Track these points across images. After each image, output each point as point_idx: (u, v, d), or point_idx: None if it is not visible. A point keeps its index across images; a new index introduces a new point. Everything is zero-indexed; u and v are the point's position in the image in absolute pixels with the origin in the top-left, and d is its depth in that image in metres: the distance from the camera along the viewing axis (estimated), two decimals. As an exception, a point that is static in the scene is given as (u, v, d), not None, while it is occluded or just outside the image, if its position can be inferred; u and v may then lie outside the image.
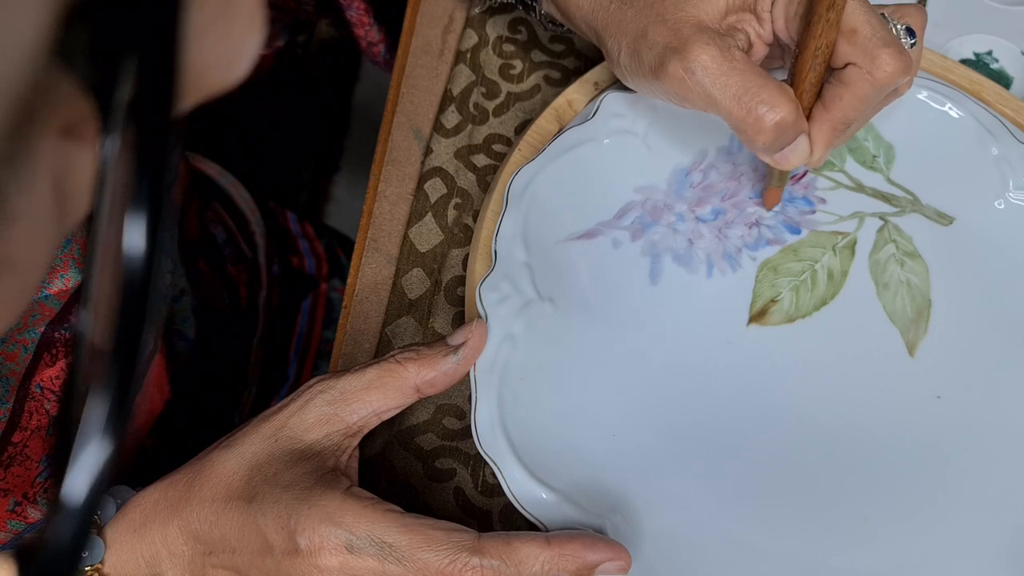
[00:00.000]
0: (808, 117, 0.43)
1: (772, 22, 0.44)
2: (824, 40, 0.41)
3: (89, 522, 0.16)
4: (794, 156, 0.43)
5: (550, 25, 0.53)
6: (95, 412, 0.16)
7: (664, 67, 0.42)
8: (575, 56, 0.58)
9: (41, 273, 0.18)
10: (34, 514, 0.47)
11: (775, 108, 0.41)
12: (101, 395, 0.16)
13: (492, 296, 0.45)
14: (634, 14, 0.44)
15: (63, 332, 0.46)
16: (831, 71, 0.43)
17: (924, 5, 0.58)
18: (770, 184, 0.49)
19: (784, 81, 0.43)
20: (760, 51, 0.45)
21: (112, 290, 0.16)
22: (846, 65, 0.42)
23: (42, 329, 0.46)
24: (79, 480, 0.16)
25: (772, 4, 0.43)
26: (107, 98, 0.16)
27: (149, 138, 0.16)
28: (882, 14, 0.43)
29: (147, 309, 0.16)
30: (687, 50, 0.41)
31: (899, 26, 0.44)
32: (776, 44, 0.45)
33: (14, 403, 0.45)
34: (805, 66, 0.42)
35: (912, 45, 0.44)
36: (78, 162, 0.18)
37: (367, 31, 0.68)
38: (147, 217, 0.16)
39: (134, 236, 0.16)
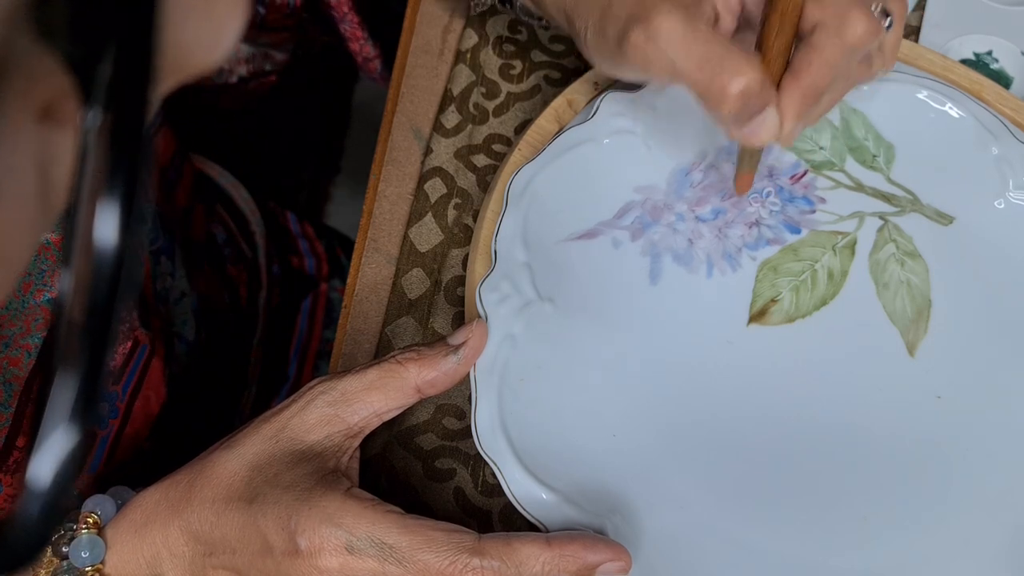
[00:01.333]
0: (778, 88, 0.42)
1: None
2: (792, 1, 0.40)
3: (57, 505, 0.16)
4: (763, 130, 0.41)
5: (526, 18, 0.53)
6: (63, 396, 0.16)
7: (627, 37, 0.41)
8: (575, 56, 0.58)
9: (26, 259, 0.18)
10: None
11: (740, 74, 0.40)
12: (70, 379, 0.16)
13: (492, 296, 0.45)
14: None
15: None
16: (799, 37, 0.42)
17: (923, 8, 0.58)
18: (740, 168, 0.48)
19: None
20: (727, 24, 0.44)
21: (85, 272, 0.16)
22: (814, 28, 0.41)
23: (44, 334, 0.46)
24: (45, 463, 0.16)
25: None
26: (88, 74, 0.16)
27: (125, 117, 0.16)
28: None
29: (118, 292, 0.16)
30: (650, 18, 0.41)
31: (874, 6, 0.43)
32: (744, 20, 0.44)
33: (16, 407, 0.45)
34: (772, 30, 0.41)
35: (888, 27, 0.43)
36: (61, 151, 0.18)
37: (361, 46, 0.68)
38: (120, 197, 0.15)
39: (107, 218, 0.15)
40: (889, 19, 0.43)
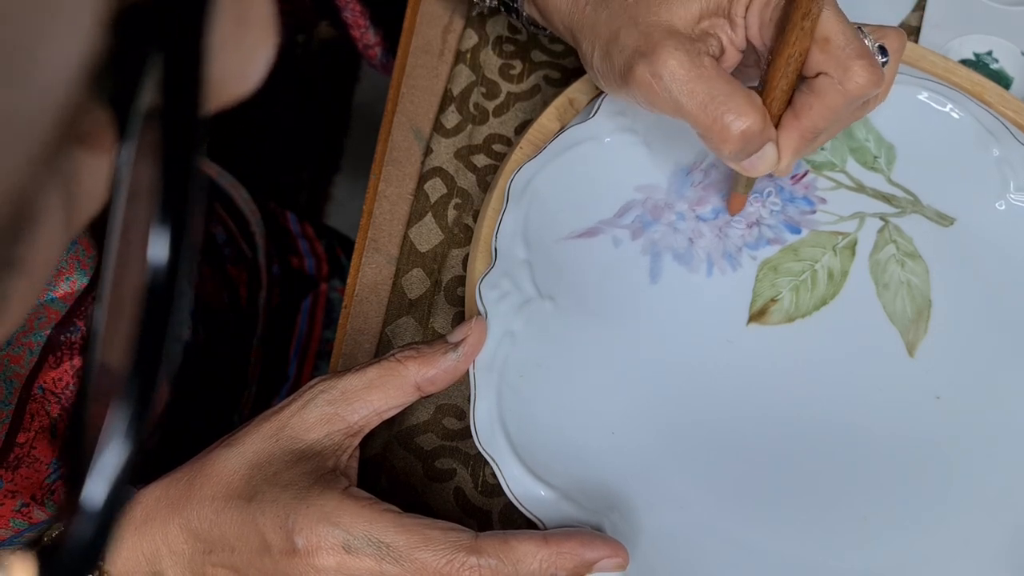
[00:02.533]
0: (778, 124, 0.43)
1: (746, 28, 0.43)
2: (797, 48, 0.41)
3: (111, 524, 0.16)
4: (761, 163, 0.43)
5: (532, 28, 0.53)
6: (117, 419, 0.16)
7: (632, 71, 0.42)
8: (575, 56, 0.57)
9: (47, 276, 0.19)
10: (40, 515, 0.47)
11: (741, 117, 0.41)
12: (123, 401, 0.16)
13: (492, 293, 0.45)
14: (608, 17, 0.44)
15: (68, 335, 0.46)
16: (803, 79, 0.42)
17: (923, 8, 0.58)
18: (736, 189, 0.49)
19: (755, 87, 0.43)
20: (733, 57, 0.44)
21: (134, 297, 0.16)
22: (818, 74, 0.42)
23: (48, 332, 0.46)
24: (99, 484, 0.16)
25: (746, 10, 0.43)
26: (125, 109, 0.16)
27: (175, 147, 0.16)
28: (860, 28, 0.43)
29: (171, 316, 0.16)
30: (655, 55, 0.41)
31: (873, 43, 0.43)
32: (751, 51, 0.45)
33: (16, 404, 0.45)
34: (777, 73, 0.42)
35: (884, 64, 0.43)
36: (85, 168, 0.18)
37: (363, 33, 0.69)
38: (171, 226, 0.16)
39: (159, 245, 0.16)
40: (886, 59, 0.43)
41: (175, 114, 0.16)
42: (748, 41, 0.44)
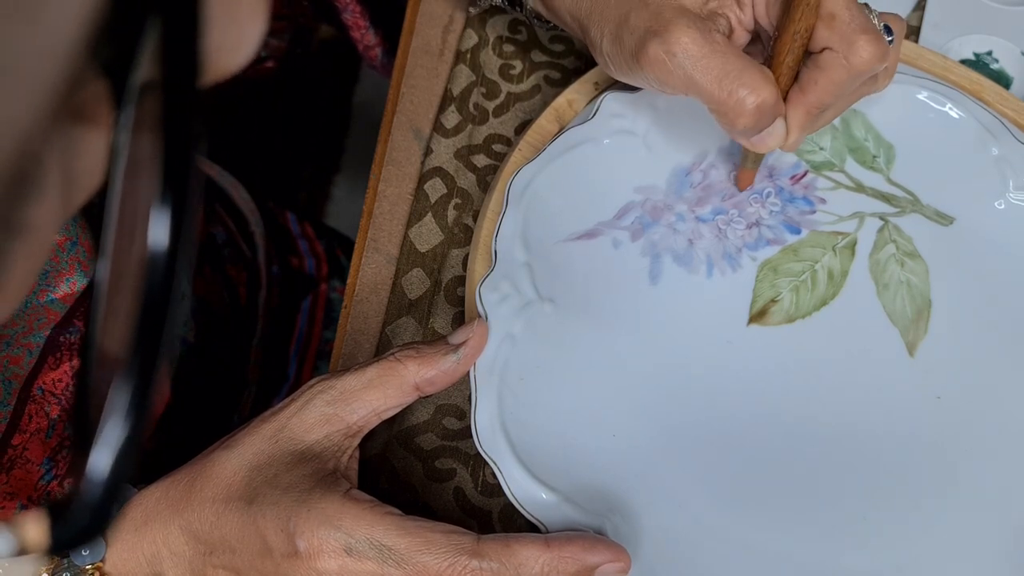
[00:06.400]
0: (784, 100, 0.43)
1: (752, 7, 0.44)
2: (803, 24, 0.41)
3: (118, 486, 0.17)
4: (771, 139, 0.43)
5: (536, 21, 0.53)
6: (119, 394, 0.16)
7: (645, 50, 0.42)
8: (575, 56, 0.58)
9: (47, 253, 0.19)
10: None
11: (756, 91, 0.41)
12: (124, 378, 0.16)
13: (492, 296, 0.45)
14: (617, 1, 0.44)
15: (68, 336, 0.46)
16: (808, 55, 0.43)
17: (923, 8, 0.58)
18: (744, 165, 0.50)
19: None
20: (741, 37, 0.45)
21: (135, 274, 0.16)
22: (823, 50, 0.42)
23: (47, 333, 0.46)
24: (104, 453, 0.16)
25: None
26: (122, 80, 0.16)
27: (176, 115, 0.16)
28: (865, 4, 0.43)
29: (171, 295, 0.16)
30: (668, 32, 0.41)
31: (879, 20, 0.44)
32: (757, 32, 0.45)
33: (15, 405, 0.45)
34: (783, 49, 0.42)
35: (889, 42, 0.44)
36: (83, 146, 0.18)
37: (363, 34, 0.68)
38: (173, 197, 0.16)
39: (159, 222, 0.16)
40: (891, 37, 0.44)
41: (175, 80, 0.16)
42: (755, 22, 0.44)
